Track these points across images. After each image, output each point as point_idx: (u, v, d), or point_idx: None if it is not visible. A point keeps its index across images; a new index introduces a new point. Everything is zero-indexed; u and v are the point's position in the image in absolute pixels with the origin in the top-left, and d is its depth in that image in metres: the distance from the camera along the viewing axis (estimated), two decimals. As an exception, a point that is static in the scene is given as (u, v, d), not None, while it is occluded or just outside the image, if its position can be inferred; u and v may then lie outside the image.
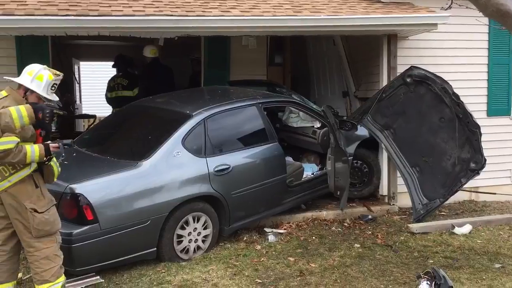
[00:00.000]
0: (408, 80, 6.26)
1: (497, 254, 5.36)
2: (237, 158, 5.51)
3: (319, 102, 8.03)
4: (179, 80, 8.85)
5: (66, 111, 9.13)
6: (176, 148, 5.10)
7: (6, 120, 3.37)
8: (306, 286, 4.54)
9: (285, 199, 6.01)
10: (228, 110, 5.68)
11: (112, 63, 9.05)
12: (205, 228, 5.23)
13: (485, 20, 6.32)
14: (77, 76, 12.22)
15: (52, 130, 3.77)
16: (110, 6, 5.73)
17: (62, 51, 9.75)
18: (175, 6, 5.89)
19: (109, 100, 8.73)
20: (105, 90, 8.88)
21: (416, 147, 6.35)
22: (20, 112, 3.45)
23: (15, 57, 6.66)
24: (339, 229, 6.10)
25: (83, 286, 4.45)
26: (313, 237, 5.77)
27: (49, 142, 3.79)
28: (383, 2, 6.81)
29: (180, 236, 5.04)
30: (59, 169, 3.93)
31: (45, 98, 3.79)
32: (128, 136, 5.87)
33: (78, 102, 11.95)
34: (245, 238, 5.63)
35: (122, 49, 9.85)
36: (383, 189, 6.91)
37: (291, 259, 5.14)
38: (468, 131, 6.04)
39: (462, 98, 6.09)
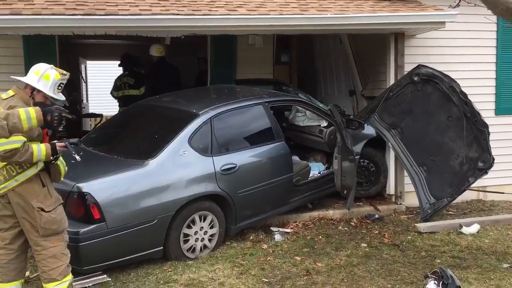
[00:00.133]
0: (416, 78, 6.22)
1: (505, 254, 5.32)
2: (244, 157, 5.51)
3: (325, 101, 8.00)
4: (186, 79, 8.86)
5: (73, 110, 9.21)
6: (182, 147, 5.10)
7: (14, 121, 3.38)
8: (312, 286, 4.53)
9: (292, 198, 5.99)
10: (235, 109, 5.67)
11: (119, 62, 9.08)
12: (211, 227, 5.23)
13: (494, 18, 6.28)
14: (84, 75, 12.26)
15: (59, 129, 3.76)
16: (117, 5, 5.74)
17: (69, 50, 9.79)
18: (182, 5, 5.89)
19: (116, 98, 8.76)
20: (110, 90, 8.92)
21: (423, 146, 6.32)
22: (29, 114, 3.45)
23: (22, 57, 6.69)
24: (346, 228, 6.08)
25: (90, 285, 4.47)
26: (320, 236, 5.76)
27: (55, 141, 3.80)
28: (390, 0, 6.77)
29: (186, 235, 5.04)
30: (66, 168, 3.94)
31: (51, 97, 3.80)
32: (134, 135, 5.88)
33: (85, 101, 11.99)
34: (251, 237, 5.63)
35: (129, 48, 9.87)
36: (390, 188, 6.87)
37: (298, 258, 5.13)
38: (476, 130, 6.00)
39: (470, 97, 6.05)
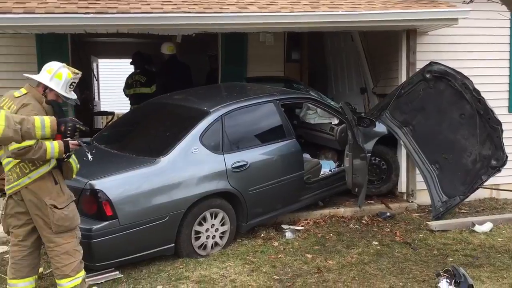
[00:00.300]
0: (428, 75, 6.18)
1: (518, 253, 5.27)
2: (255, 155, 5.51)
3: (336, 99, 7.97)
4: (197, 77, 8.89)
5: (85, 108, 9.29)
6: (194, 144, 5.12)
7: (28, 127, 3.39)
8: (324, 283, 4.52)
9: (303, 196, 5.99)
10: (246, 106, 5.68)
11: (130, 60, 9.12)
12: (222, 225, 5.24)
13: (508, 14, 6.21)
14: (95, 73, 12.35)
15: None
16: (129, 4, 5.77)
17: (81, 48, 9.86)
18: (193, 3, 5.90)
19: (129, 97, 8.81)
20: (122, 88, 8.97)
21: (435, 143, 6.27)
22: (44, 122, 3.47)
23: (35, 55, 6.75)
24: (357, 226, 6.06)
25: (102, 281, 4.51)
26: (331, 234, 5.75)
27: (68, 139, 3.83)
28: (402, -3, 6.73)
29: (198, 232, 5.06)
30: (78, 165, 3.97)
31: (63, 96, 3.83)
32: (146, 132, 5.91)
33: (96, 99, 12.07)
34: (262, 235, 5.63)
35: (140, 46, 9.92)
36: (402, 186, 6.84)
37: (309, 256, 5.12)
38: (489, 128, 5.94)
39: (483, 94, 5.99)
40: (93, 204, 4.53)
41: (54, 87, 3.78)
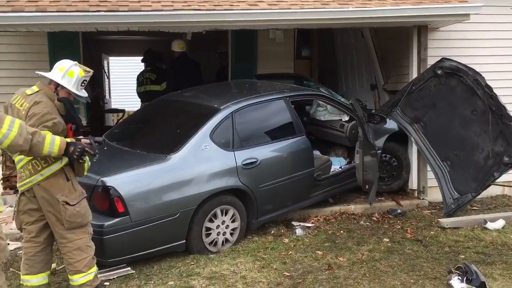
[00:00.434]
0: (439, 72, 6.13)
1: (531, 250, 5.23)
2: (265, 152, 5.51)
3: (347, 96, 7.95)
4: (207, 74, 8.90)
5: (96, 106, 9.35)
6: (204, 141, 5.13)
7: (39, 140, 3.41)
8: (334, 280, 4.52)
9: (313, 193, 5.99)
10: (256, 103, 5.68)
11: (141, 57, 9.16)
12: (233, 221, 5.26)
13: (520, 9, 6.15)
14: (106, 71, 12.42)
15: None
16: (139, 1, 5.79)
17: (92, 46, 9.92)
18: (203, 0, 5.91)
19: (139, 95, 8.85)
20: (133, 85, 9.01)
21: (447, 140, 6.23)
22: (54, 141, 3.47)
23: (47, 53, 6.82)
24: (368, 223, 6.05)
25: (114, 277, 4.55)
26: (341, 231, 5.74)
27: (81, 136, 3.87)
28: (413, -8, 6.68)
29: (208, 228, 5.08)
30: (89, 163, 4.00)
31: (75, 94, 3.86)
32: (157, 130, 5.93)
33: (107, 96, 12.14)
34: (272, 232, 5.64)
35: (151, 44, 9.96)
36: (413, 183, 6.81)
37: (319, 252, 5.12)
38: (502, 124, 5.89)
39: (495, 90, 5.94)
40: (105, 201, 4.57)
41: (66, 85, 3.81)
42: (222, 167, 5.14)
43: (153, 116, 6.23)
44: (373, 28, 7.51)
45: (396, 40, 7.29)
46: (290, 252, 5.12)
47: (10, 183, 6.23)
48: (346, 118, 6.66)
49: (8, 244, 3.91)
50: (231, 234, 5.27)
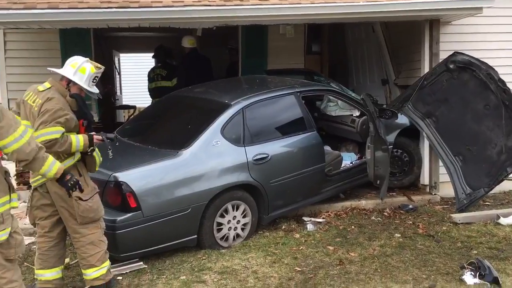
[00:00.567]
0: (451, 66, 6.08)
1: (545, 246, 5.18)
2: (276, 147, 5.51)
3: (357, 91, 7.91)
4: (217, 70, 8.91)
5: (107, 102, 9.41)
6: (215, 137, 5.15)
7: (43, 156, 3.30)
8: (346, 275, 4.52)
9: (324, 188, 5.98)
10: (266, 99, 5.68)
11: (152, 54, 9.19)
12: (244, 217, 5.27)
13: (534, 2, 6.07)
14: (117, 67, 12.48)
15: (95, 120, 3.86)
16: (150, -3, 5.80)
17: (103, 43, 9.97)
18: (213, -4, 5.92)
19: (150, 91, 8.89)
20: (144, 81, 9.06)
21: (459, 135, 6.18)
22: (53, 165, 3.40)
23: (59, 50, 6.87)
24: (379, 218, 6.02)
25: (127, 271, 4.58)
26: (352, 226, 5.73)
27: (93, 133, 3.90)
28: (425, -14, 6.62)
29: (219, 224, 5.10)
30: (101, 159, 4.04)
31: (86, 90, 3.90)
32: (168, 125, 5.96)
33: (118, 93, 12.21)
34: (283, 227, 5.65)
35: (161, 40, 9.98)
36: (424, 179, 6.76)
37: (330, 248, 5.12)
38: (515, 119, 5.83)
39: (508, 84, 5.88)
40: (117, 196, 4.60)
41: (78, 81, 3.84)
42: (233, 162, 5.15)
43: (164, 112, 6.26)
44: (384, 22, 7.45)
45: (407, 34, 7.23)
46: (301, 247, 5.13)
47: (23, 179, 6.30)
48: (357, 113, 6.63)
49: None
50: (242, 229, 5.28)
